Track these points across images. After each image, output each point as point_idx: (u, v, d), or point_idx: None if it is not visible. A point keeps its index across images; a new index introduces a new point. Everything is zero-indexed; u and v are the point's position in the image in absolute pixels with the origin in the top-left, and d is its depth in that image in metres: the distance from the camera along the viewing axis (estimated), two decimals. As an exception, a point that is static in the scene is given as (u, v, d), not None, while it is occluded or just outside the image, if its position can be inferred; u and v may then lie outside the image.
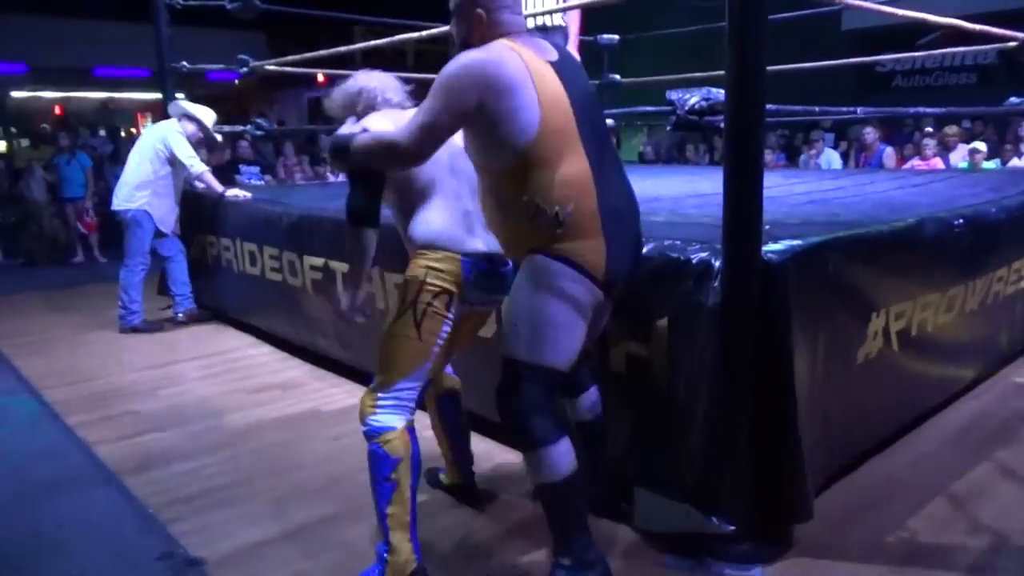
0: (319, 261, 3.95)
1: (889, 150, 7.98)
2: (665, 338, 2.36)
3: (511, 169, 1.96)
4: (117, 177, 5.32)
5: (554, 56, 2.05)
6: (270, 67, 5.92)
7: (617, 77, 6.65)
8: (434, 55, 16.54)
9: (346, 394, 3.75)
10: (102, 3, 13.94)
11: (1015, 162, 7.48)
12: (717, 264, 2.23)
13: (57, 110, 14.68)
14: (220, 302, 5.33)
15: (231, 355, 4.59)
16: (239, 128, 6.04)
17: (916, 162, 7.48)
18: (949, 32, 4.20)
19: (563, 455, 2.04)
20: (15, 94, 14.39)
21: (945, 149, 7.85)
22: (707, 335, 2.23)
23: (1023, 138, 7.69)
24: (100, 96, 15.54)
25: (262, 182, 7.87)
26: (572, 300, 2.00)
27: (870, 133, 7.94)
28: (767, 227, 2.71)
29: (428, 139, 1.97)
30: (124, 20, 12.30)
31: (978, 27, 4.08)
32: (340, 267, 3.79)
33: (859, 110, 3.25)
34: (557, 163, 1.94)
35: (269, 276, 4.55)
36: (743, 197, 2.13)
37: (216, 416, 3.54)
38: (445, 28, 2.73)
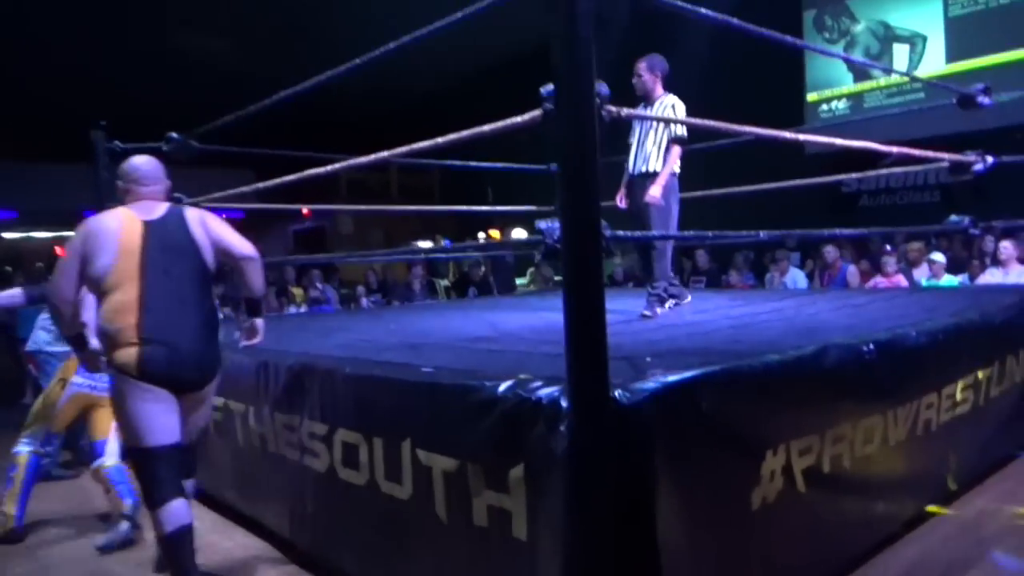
0: (220, 401, 3.76)
1: (852, 268, 7.90)
2: (522, 488, 2.14)
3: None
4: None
5: (153, 217, 2.80)
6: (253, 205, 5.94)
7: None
8: (418, 190, 16.98)
9: (240, 547, 3.48)
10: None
11: (985, 277, 7.35)
12: (566, 405, 2.03)
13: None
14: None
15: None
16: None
17: (878, 279, 7.37)
18: (902, 155, 4.28)
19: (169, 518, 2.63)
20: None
21: (909, 265, 7.75)
22: (562, 485, 2.00)
23: (987, 253, 7.60)
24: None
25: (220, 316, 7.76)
26: (123, 392, 2.66)
27: (831, 252, 7.89)
28: (648, 359, 2.54)
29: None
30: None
31: (921, 152, 4.31)
32: (238, 407, 3.61)
33: (766, 233, 3.15)
34: (115, 293, 2.66)
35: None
36: (585, 334, 1.96)
37: None
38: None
